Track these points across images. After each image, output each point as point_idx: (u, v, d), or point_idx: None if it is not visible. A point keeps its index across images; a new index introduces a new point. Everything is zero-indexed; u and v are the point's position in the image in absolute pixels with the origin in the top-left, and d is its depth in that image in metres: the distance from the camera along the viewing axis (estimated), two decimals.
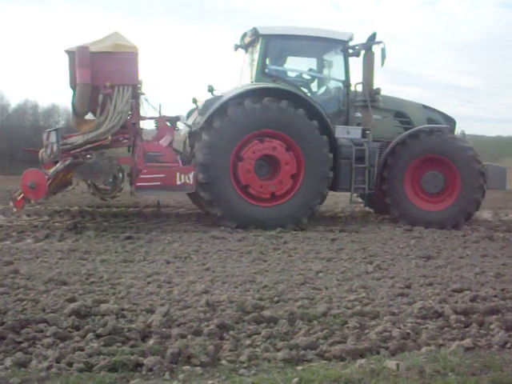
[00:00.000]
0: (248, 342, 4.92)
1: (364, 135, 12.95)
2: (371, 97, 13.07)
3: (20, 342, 4.82)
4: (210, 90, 12.59)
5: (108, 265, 8.07)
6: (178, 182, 11.47)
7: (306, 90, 13.08)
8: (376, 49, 12.99)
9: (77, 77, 11.42)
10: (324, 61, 13.71)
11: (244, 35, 13.61)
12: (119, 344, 4.79)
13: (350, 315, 5.67)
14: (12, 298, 6.11)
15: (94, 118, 11.99)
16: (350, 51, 13.21)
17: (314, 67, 13.76)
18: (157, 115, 12.30)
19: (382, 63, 12.78)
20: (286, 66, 13.65)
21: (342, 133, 12.74)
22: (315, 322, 5.47)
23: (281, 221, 11.84)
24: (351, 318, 5.56)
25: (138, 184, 11.37)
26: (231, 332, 5.13)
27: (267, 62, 12.90)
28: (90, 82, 11.41)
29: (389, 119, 13.63)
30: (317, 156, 12.02)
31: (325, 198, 12.71)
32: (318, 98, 12.90)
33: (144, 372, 4.30)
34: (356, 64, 13.32)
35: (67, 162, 11.26)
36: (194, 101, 13.08)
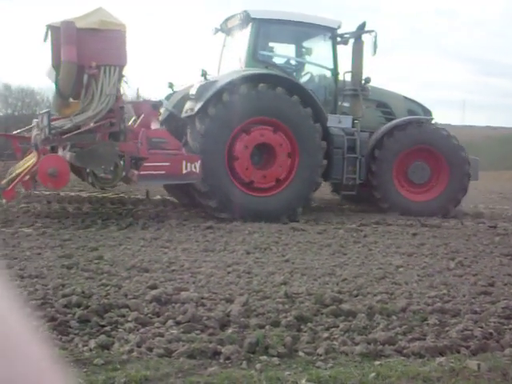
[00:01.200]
0: (326, 334, 4.90)
1: (353, 125, 12.80)
2: (361, 86, 12.91)
3: (103, 326, 4.97)
4: (204, 74, 12.04)
5: (189, 254, 8.18)
6: (184, 171, 10.76)
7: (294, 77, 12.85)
8: (366, 38, 12.87)
9: (61, 55, 10.53)
10: (313, 48, 13.54)
11: (228, 18, 13.35)
12: (198, 332, 4.86)
13: (430, 312, 5.56)
14: (96, 283, 6.29)
15: (74, 100, 11.31)
16: (339, 39, 13.01)
17: (303, 54, 13.61)
18: (133, 99, 11.94)
19: (374, 52, 12.68)
20: (276, 51, 13.42)
21: (333, 122, 12.53)
22: (394, 317, 5.40)
23: (277, 211, 11.55)
24: (431, 315, 5.46)
25: (141, 172, 10.62)
26: (309, 324, 5.12)
27: (258, 46, 12.58)
28: (77, 61, 10.56)
29: (371, 109, 13.49)
30: (311, 144, 11.77)
31: (319, 186, 12.60)
32: (306, 86, 12.55)
33: (222, 360, 4.35)
34: (344, 53, 13.29)
35: (68, 148, 10.75)
36: (171, 85, 12.93)
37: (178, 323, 5.05)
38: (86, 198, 13.71)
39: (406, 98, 14.26)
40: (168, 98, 13.09)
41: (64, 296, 5.65)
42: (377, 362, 4.34)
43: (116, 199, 13.81)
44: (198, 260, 7.71)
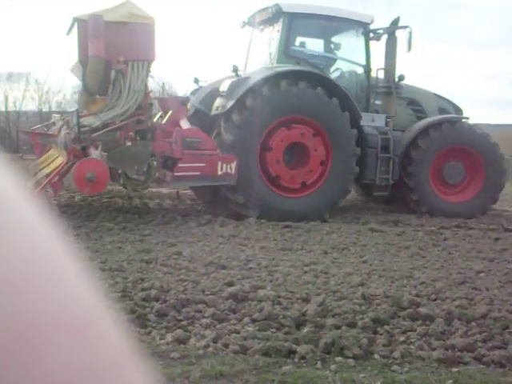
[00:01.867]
0: (402, 338, 4.83)
1: (386, 123, 12.38)
2: (395, 84, 12.51)
3: (180, 320, 5.06)
4: (235, 70, 11.42)
5: (266, 252, 8.20)
6: (219, 173, 10.33)
7: (326, 73, 12.37)
8: (399, 34, 12.42)
9: (89, 49, 10.10)
10: (345, 43, 13.05)
11: (257, 12, 12.87)
12: (274, 330, 4.88)
13: None
14: (174, 278, 6.39)
15: (100, 96, 10.85)
16: (371, 35, 12.60)
17: (335, 49, 13.12)
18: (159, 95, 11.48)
19: (409, 49, 12.20)
20: (307, 46, 12.90)
21: (366, 120, 12.10)
22: (473, 323, 5.26)
23: (320, 207, 11.23)
24: None
25: (176, 174, 10.17)
26: (386, 327, 5.06)
27: (290, 42, 12.13)
28: (105, 56, 10.14)
29: (402, 107, 12.99)
30: (345, 148, 11.38)
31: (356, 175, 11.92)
32: (339, 83, 11.97)
33: (296, 359, 4.35)
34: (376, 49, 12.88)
35: (100, 148, 10.16)
36: (196, 81, 12.55)
37: (254, 321, 5.08)
38: (166, 194, 13.93)
39: (436, 95, 13.82)
40: (193, 93, 12.72)
41: (143, 290, 5.78)
42: (454, 369, 4.25)
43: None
44: (275, 258, 7.73)
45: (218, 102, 11.42)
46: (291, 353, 4.44)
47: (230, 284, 6.18)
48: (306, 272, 7.02)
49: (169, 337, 4.65)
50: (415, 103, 13.38)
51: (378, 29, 12.84)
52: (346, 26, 12.80)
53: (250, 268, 7.13)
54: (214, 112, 11.52)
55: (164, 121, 11.30)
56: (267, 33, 12.80)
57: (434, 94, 13.88)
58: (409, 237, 9.91)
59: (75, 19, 10.45)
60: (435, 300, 5.99)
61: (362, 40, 12.74)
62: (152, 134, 10.67)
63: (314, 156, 11.40)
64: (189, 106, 11.60)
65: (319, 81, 11.48)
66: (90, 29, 10.06)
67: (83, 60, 10.32)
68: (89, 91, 10.65)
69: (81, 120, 10.31)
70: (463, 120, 13.27)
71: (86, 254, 7.41)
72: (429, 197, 12.39)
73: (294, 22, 12.10)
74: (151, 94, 11.13)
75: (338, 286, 6.35)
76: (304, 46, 12.83)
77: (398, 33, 12.64)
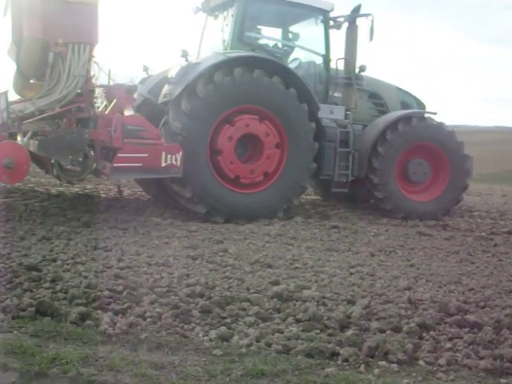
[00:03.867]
0: (448, 345, 4.73)
1: (345, 116, 11.87)
2: (355, 75, 12.04)
3: (224, 318, 5.07)
4: (185, 55, 10.96)
5: (313, 252, 8.16)
6: (163, 164, 9.37)
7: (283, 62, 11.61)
8: (361, 22, 11.91)
9: (23, 29, 9.30)
10: (303, 31, 12.42)
11: None
12: (317, 331, 4.86)
13: None
14: (220, 275, 6.41)
15: (37, 81, 9.94)
16: (331, 23, 12.01)
17: (292, 37, 12.51)
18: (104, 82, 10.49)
19: (371, 38, 11.67)
20: (264, 33, 12.27)
21: (325, 112, 11.48)
22: None
23: (273, 206, 10.66)
24: None
25: (115, 165, 9.17)
26: (431, 333, 4.97)
27: (244, 27, 11.30)
28: (41, 37, 9.26)
29: (363, 100, 12.46)
30: (302, 142, 10.76)
31: (313, 172, 11.26)
32: (296, 72, 11.21)
33: (339, 362, 4.32)
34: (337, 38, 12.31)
35: (29, 135, 9.43)
36: (146, 69, 11.97)
37: (298, 321, 5.06)
38: None
39: (399, 88, 13.30)
40: (142, 82, 11.88)
41: (188, 286, 5.82)
42: (503, 380, 4.15)
43: None
44: (321, 259, 7.69)
45: (166, 89, 10.81)
46: (334, 355, 4.40)
47: (275, 283, 6.17)
48: (351, 274, 6.97)
49: (212, 334, 4.66)
50: (376, 96, 12.86)
51: (339, 17, 12.21)
52: (304, 12, 12.17)
53: (296, 268, 7.11)
54: (161, 100, 10.88)
55: (107, 110, 10.30)
56: (221, 19, 12.02)
57: (397, 87, 13.37)
58: (458, 242, 9.75)
59: None
60: (484, 307, 5.86)
61: (321, 28, 12.09)
62: (94, 123, 9.78)
63: (268, 144, 10.71)
64: (136, 95, 10.65)
65: (273, 67, 10.75)
66: (25, 7, 9.32)
67: (17, 41, 9.52)
68: (23, 74, 9.83)
69: (13, 105, 9.55)
70: (424, 116, 12.66)
71: (134, 248, 7.50)
72: (395, 195, 11.84)
73: (250, 7, 11.32)
74: (93, 80, 10.19)
75: (384, 289, 6.29)
76: (260, 33, 12.24)
77: (360, 21, 12.12)
